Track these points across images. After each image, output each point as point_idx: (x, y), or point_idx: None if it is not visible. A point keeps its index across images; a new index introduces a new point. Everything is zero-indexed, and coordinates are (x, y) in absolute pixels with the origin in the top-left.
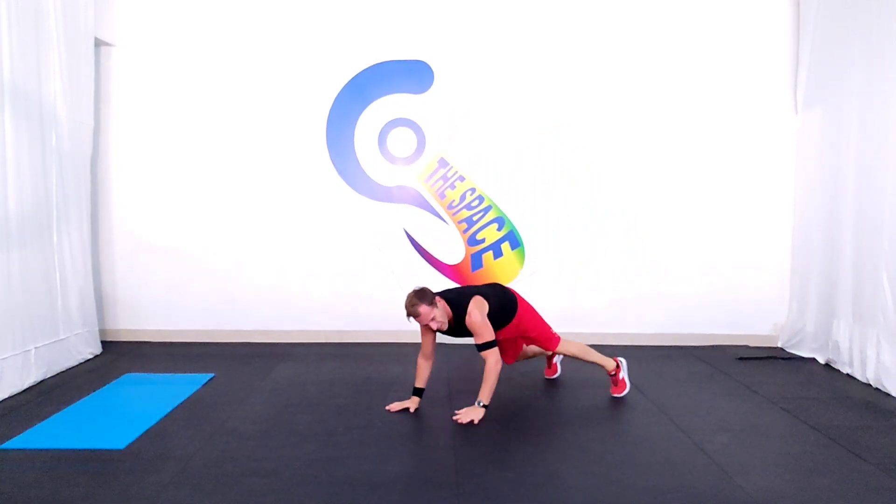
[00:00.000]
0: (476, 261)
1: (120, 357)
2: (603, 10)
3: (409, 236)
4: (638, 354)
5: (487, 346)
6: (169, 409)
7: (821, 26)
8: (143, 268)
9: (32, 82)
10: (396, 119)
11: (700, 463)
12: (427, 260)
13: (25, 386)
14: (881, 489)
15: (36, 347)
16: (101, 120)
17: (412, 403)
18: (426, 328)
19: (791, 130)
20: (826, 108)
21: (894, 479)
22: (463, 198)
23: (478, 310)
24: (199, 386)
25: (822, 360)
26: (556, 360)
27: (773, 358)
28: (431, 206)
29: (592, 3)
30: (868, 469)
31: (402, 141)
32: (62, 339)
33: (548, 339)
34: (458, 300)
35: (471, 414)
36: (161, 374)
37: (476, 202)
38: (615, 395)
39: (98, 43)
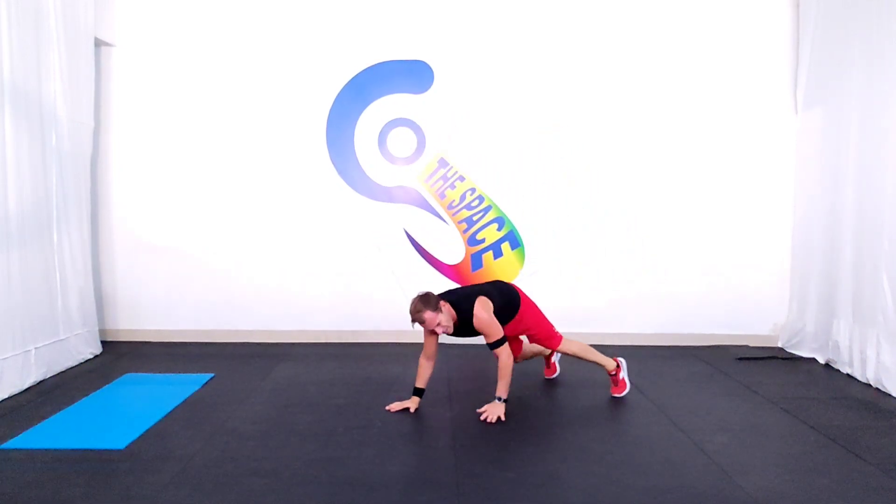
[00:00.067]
0: (476, 261)
1: (120, 357)
2: (603, 10)
3: (409, 236)
4: (638, 354)
5: (499, 343)
6: (169, 409)
7: (821, 26)
8: (143, 268)
9: (32, 82)
10: (396, 119)
11: (700, 463)
12: (427, 260)
13: (25, 386)
14: (881, 489)
15: (36, 347)
16: (101, 120)
17: (412, 403)
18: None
19: (791, 130)
20: (826, 109)
21: (894, 479)
22: (463, 198)
23: (484, 310)
24: (199, 386)
25: (822, 361)
26: (555, 358)
27: (773, 358)
28: (431, 206)
29: (592, 3)
30: (868, 469)
31: (402, 141)
32: (62, 340)
33: (549, 337)
34: (461, 302)
35: (496, 410)
36: (161, 374)
37: (476, 202)
38: (615, 395)
39: (98, 43)
